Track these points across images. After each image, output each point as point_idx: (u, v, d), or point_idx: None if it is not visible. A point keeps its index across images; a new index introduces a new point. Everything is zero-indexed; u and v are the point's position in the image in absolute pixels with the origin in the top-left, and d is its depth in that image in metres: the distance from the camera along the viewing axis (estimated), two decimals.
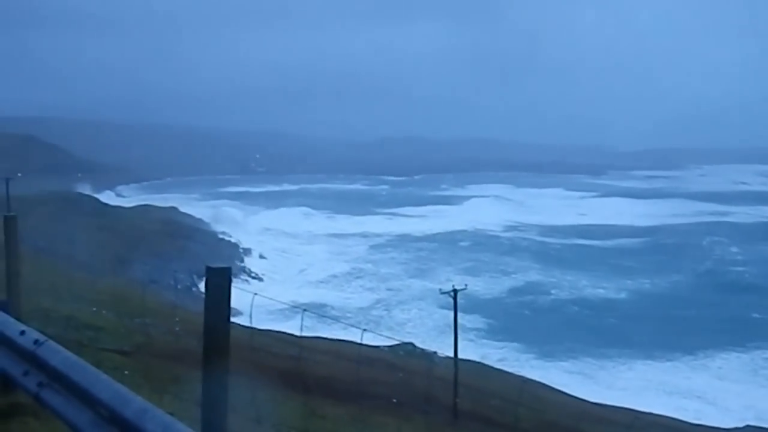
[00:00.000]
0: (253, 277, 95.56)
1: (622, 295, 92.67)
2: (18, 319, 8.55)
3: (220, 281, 5.45)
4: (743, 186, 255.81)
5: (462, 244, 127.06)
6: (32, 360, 7.45)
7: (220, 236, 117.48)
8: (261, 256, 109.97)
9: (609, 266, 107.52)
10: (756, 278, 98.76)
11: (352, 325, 51.92)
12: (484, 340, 71.71)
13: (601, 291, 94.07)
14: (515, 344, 71.10)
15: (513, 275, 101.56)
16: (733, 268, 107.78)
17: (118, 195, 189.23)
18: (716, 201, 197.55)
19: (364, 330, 12.39)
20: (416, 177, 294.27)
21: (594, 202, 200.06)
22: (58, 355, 7.16)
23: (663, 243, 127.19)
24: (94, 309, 29.17)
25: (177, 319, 30.74)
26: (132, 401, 5.85)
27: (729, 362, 67.68)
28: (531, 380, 43.65)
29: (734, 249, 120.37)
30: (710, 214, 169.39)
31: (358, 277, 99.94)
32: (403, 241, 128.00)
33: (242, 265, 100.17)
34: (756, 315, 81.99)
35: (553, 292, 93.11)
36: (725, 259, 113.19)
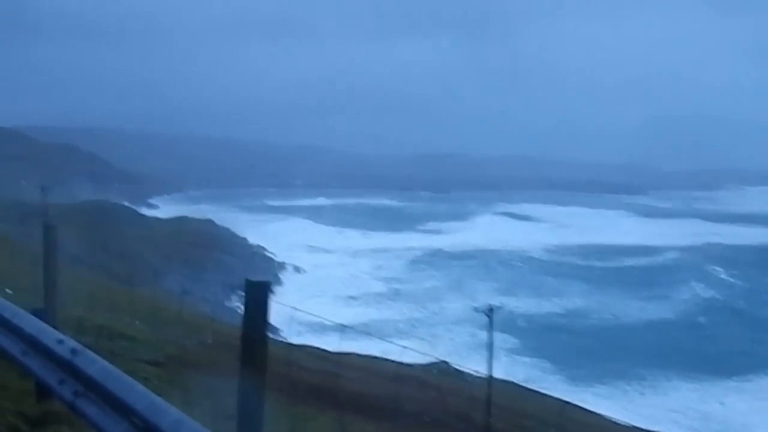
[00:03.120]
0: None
1: (665, 316, 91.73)
2: (55, 327, 8.56)
3: (258, 295, 5.41)
4: None
5: (499, 262, 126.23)
6: (68, 369, 7.45)
7: (256, 249, 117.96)
8: (296, 270, 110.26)
9: (646, 287, 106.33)
10: None
11: (388, 341, 51.70)
12: (516, 357, 71.22)
13: (640, 312, 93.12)
14: (547, 364, 70.47)
15: (549, 295, 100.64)
16: None
17: (155, 206, 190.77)
18: (759, 223, 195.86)
19: (404, 347, 12.32)
20: (453, 194, 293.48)
21: (633, 221, 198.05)
22: (95, 364, 7.15)
23: (704, 263, 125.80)
24: (128, 319, 29.35)
25: (210, 331, 30.83)
26: (168, 413, 5.81)
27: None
28: (568, 402, 43.26)
29: None
30: (753, 236, 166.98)
31: (392, 294, 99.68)
32: (438, 258, 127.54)
33: (278, 277, 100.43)
34: None
35: (591, 312, 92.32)
36: None
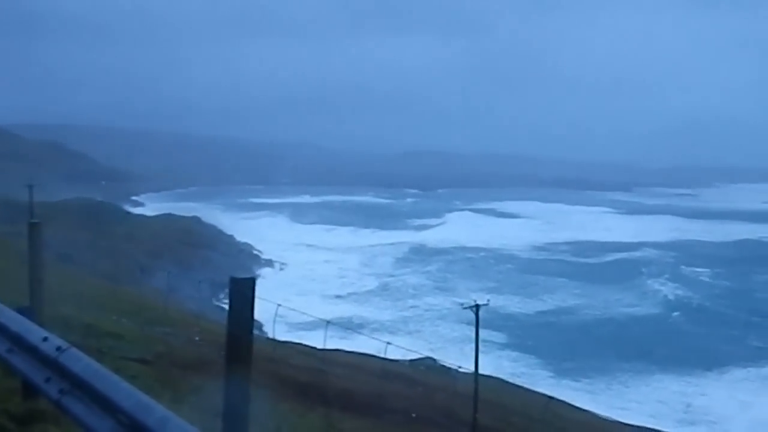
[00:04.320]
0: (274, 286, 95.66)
1: (652, 311, 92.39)
2: (40, 325, 8.55)
3: (244, 292, 5.41)
4: (764, 205, 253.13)
5: (487, 259, 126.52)
6: (54, 367, 7.44)
7: (242, 247, 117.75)
8: (283, 267, 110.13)
9: (633, 282, 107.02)
10: None
11: (375, 338, 51.70)
12: (501, 352, 71.64)
13: (627, 307, 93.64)
14: (534, 359, 70.94)
15: (537, 291, 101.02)
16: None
17: (141, 203, 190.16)
18: (740, 219, 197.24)
19: (388, 344, 12.36)
20: (440, 191, 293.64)
21: (619, 218, 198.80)
22: (81, 362, 7.15)
23: (689, 258, 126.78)
24: (115, 317, 29.28)
25: (197, 328, 30.81)
26: (154, 410, 5.82)
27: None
28: (553, 398, 43.38)
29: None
30: (737, 233, 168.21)
31: (380, 291, 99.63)
32: (425, 255, 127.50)
33: (264, 275, 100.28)
34: None
35: (575, 308, 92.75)
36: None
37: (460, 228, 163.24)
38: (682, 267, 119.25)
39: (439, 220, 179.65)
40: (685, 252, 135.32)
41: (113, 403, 6.33)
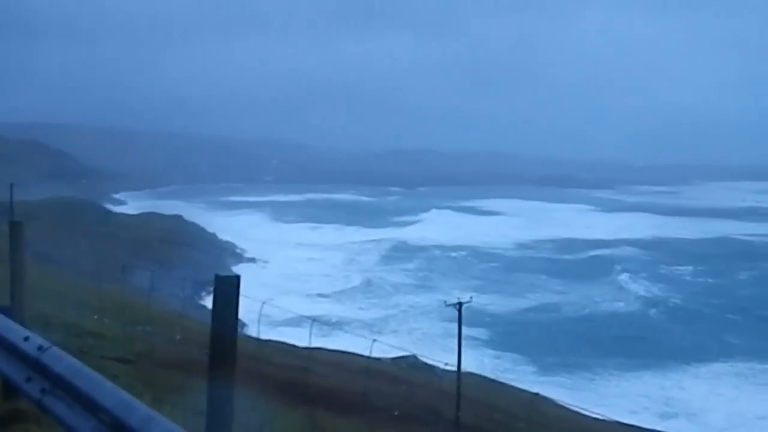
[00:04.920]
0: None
1: (633, 307, 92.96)
2: (21, 324, 8.49)
3: (228, 289, 5.38)
4: (744, 203, 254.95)
5: (470, 256, 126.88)
6: (36, 366, 7.39)
7: (225, 245, 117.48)
8: (265, 266, 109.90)
9: (611, 278, 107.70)
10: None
11: (359, 335, 51.69)
12: (485, 350, 72.01)
13: (609, 304, 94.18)
14: (516, 355, 71.36)
15: (521, 288, 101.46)
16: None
17: (123, 202, 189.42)
18: (719, 216, 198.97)
19: (374, 340, 12.35)
20: (423, 189, 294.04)
21: (600, 216, 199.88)
22: (63, 361, 7.10)
23: (666, 255, 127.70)
24: (96, 316, 29.11)
25: (179, 328, 30.69)
26: (137, 409, 5.78)
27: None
28: (536, 395, 43.39)
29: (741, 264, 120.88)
30: (714, 230, 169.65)
31: (363, 289, 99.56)
32: (409, 253, 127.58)
33: (247, 273, 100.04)
34: None
35: (560, 304, 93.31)
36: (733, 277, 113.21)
37: (443, 226, 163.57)
38: (662, 265, 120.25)
39: (421, 218, 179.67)
40: (662, 249, 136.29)
41: (95, 402, 6.28)
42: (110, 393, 6.21)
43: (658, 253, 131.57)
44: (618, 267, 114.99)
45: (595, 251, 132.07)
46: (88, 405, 6.41)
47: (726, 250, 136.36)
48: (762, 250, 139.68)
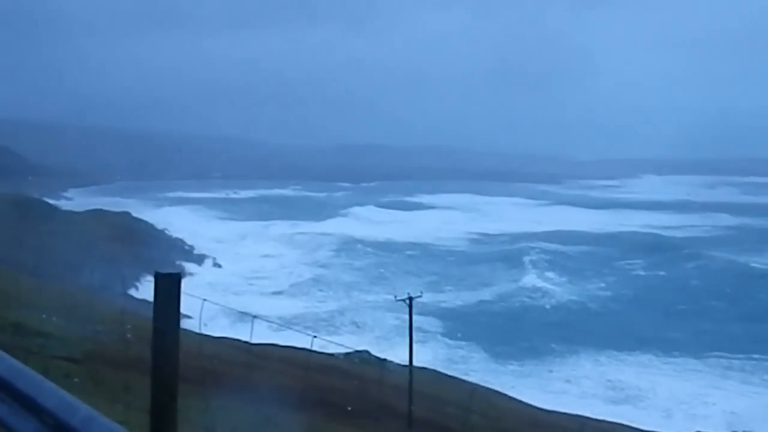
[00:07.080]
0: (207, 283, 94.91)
1: (582, 298, 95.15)
2: None
3: (169, 287, 5.32)
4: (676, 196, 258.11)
5: (420, 251, 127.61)
6: None
7: (175, 242, 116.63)
8: (215, 264, 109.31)
9: (569, 270, 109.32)
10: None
11: (303, 332, 51.65)
12: (439, 342, 72.93)
13: (564, 295, 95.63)
14: (471, 345, 72.51)
15: (472, 282, 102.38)
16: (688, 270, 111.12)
17: (70, 198, 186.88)
18: (660, 210, 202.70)
19: (314, 337, 12.32)
20: (373, 184, 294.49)
21: (548, 210, 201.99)
22: (2, 362, 6.97)
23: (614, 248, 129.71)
24: (44, 315, 28.75)
25: (128, 326, 30.41)
26: (78, 409, 5.69)
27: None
28: (485, 388, 43.82)
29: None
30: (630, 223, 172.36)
31: (314, 285, 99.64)
32: (360, 249, 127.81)
33: (196, 270, 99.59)
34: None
35: (509, 296, 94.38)
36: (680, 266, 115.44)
37: (398, 221, 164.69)
38: (611, 258, 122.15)
39: (376, 214, 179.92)
40: (565, 240, 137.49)
41: (37, 403, 6.18)
42: (51, 393, 6.11)
43: (559, 245, 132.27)
44: (522, 259, 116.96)
45: (544, 243, 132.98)
46: (30, 406, 6.31)
47: (626, 244, 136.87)
48: (670, 242, 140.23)
